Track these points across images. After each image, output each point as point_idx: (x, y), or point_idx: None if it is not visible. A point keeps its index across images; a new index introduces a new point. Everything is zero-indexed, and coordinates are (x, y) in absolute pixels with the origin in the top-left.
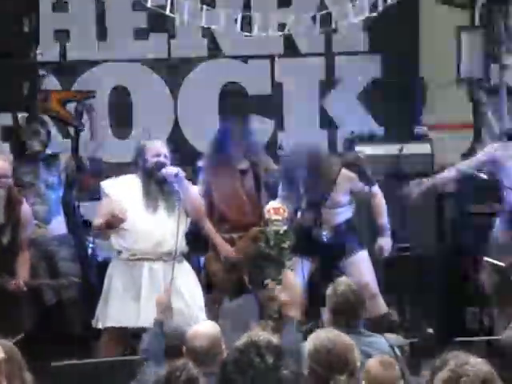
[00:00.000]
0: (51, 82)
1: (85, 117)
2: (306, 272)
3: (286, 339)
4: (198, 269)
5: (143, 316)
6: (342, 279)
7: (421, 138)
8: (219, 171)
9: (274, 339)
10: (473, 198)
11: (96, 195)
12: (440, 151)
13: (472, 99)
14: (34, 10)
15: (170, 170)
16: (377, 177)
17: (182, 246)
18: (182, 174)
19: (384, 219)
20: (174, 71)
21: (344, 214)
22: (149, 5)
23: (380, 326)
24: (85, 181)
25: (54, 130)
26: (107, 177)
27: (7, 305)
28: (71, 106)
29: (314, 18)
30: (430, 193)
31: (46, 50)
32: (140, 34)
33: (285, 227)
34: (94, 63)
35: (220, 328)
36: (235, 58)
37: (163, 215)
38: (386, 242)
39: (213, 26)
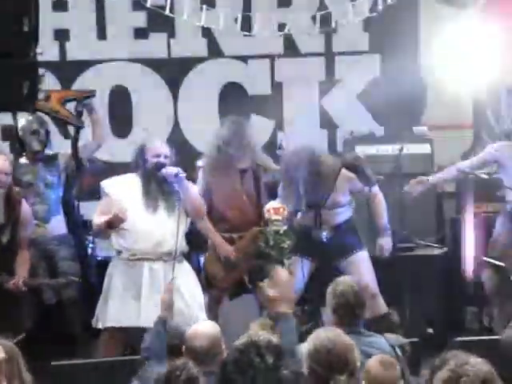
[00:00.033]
0: (50, 82)
1: (85, 116)
2: (306, 272)
3: (284, 339)
4: (197, 269)
5: (143, 316)
6: (342, 279)
7: (421, 138)
8: (219, 171)
9: (274, 339)
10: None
11: (96, 195)
12: (440, 151)
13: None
14: (33, 9)
15: (170, 170)
16: (377, 177)
17: (182, 245)
18: (182, 174)
19: (384, 219)
20: (174, 71)
21: (344, 214)
22: (148, 5)
23: (380, 325)
24: (85, 180)
25: (53, 130)
26: (107, 176)
27: (7, 305)
28: (71, 106)
29: (313, 18)
30: (429, 192)
31: (46, 50)
32: (140, 34)
33: (285, 227)
34: (94, 63)
35: (220, 328)
36: (235, 58)
37: (163, 215)
38: (386, 242)
39: (213, 26)
